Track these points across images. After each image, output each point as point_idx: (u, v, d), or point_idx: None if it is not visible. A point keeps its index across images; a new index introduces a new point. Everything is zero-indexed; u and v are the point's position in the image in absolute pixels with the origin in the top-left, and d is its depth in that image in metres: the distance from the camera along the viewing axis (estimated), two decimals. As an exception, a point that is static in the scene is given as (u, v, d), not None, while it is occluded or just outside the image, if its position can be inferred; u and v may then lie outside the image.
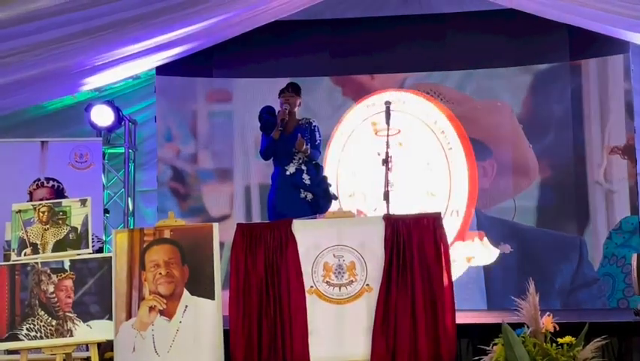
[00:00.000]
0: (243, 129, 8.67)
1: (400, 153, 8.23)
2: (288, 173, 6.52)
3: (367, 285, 5.26)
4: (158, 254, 5.26)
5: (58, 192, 7.45)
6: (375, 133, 8.51)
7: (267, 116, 6.67)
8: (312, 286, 5.29)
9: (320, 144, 6.72)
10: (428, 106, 8.61)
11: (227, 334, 5.29)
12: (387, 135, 6.14)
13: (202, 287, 5.21)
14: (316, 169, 6.64)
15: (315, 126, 6.68)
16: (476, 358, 5.32)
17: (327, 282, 5.30)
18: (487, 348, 5.09)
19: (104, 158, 8.58)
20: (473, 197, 8.42)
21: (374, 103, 8.64)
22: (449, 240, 8.09)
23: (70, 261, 5.21)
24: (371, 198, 8.36)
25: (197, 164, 8.84)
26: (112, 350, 5.33)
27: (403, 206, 8.04)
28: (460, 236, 8.35)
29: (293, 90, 6.67)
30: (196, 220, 8.27)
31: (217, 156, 8.81)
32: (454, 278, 8.06)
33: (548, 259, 8.19)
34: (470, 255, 8.29)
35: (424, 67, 8.75)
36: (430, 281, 5.23)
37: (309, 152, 6.52)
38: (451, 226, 8.21)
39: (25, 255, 5.26)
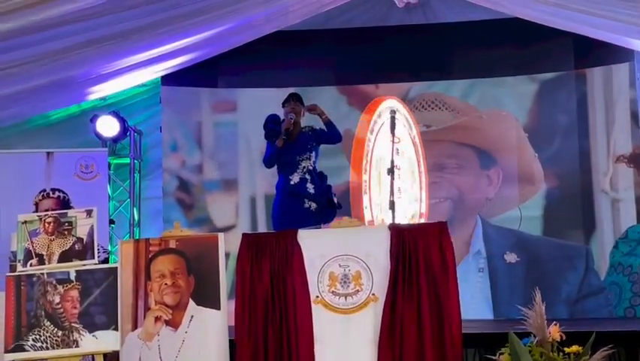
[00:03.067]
0: (247, 139, 8.68)
1: (401, 161, 8.29)
2: (292, 182, 6.52)
3: (373, 294, 5.25)
4: (164, 264, 5.25)
5: (64, 203, 7.44)
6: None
7: (271, 125, 6.68)
8: (317, 296, 5.28)
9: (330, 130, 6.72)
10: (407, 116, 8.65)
11: (232, 344, 5.28)
12: (393, 143, 6.14)
13: (208, 297, 5.20)
14: (320, 178, 6.64)
15: (318, 128, 6.69)
16: (483, 367, 5.32)
17: (332, 292, 5.28)
18: (494, 358, 5.09)
19: (109, 168, 8.58)
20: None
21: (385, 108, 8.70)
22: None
23: (76, 271, 5.20)
24: (376, 207, 8.39)
25: (203, 174, 8.85)
26: (118, 361, 5.32)
27: (411, 212, 8.13)
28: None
29: (298, 100, 6.68)
30: (201, 230, 8.28)
31: (222, 166, 8.83)
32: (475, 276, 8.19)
33: (554, 268, 8.18)
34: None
35: (428, 76, 8.77)
36: (436, 290, 5.21)
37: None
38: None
39: (30, 266, 5.25)
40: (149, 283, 5.23)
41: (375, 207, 8.50)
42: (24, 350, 5.06)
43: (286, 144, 6.50)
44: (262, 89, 8.65)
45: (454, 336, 5.15)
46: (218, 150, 8.86)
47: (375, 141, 8.65)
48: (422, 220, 8.32)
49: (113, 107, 8.78)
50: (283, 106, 6.69)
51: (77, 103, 8.72)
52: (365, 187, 8.57)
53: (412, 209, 8.39)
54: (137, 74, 8.13)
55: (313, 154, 6.57)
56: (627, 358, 5.95)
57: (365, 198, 8.55)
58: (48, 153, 7.78)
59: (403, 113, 8.60)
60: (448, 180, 8.57)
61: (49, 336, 5.08)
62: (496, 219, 8.43)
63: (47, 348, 5.07)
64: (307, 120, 6.89)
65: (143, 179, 9.10)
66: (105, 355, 5.24)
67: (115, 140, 8.70)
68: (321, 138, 6.63)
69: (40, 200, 7.39)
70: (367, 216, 8.45)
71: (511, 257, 8.30)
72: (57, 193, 7.49)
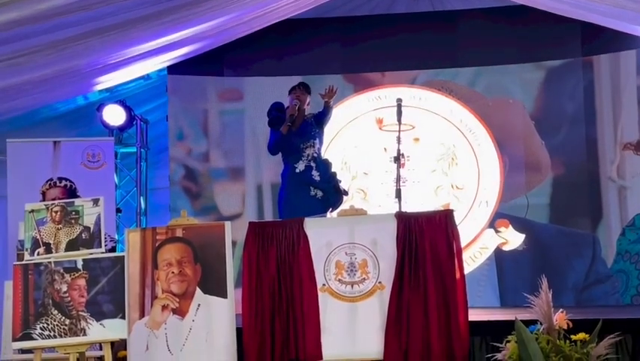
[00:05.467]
0: (254, 128, 8.67)
1: (416, 149, 8.27)
2: (297, 170, 6.53)
3: (380, 283, 5.26)
4: (171, 253, 5.27)
5: (71, 192, 7.47)
6: (380, 128, 8.51)
7: (275, 112, 6.69)
8: (324, 284, 5.29)
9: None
10: (448, 102, 8.59)
11: (240, 332, 5.30)
12: (399, 132, 6.14)
13: (214, 286, 5.21)
14: (326, 165, 6.65)
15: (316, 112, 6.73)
16: (489, 355, 5.33)
17: (339, 280, 5.29)
18: (501, 345, 5.10)
19: (116, 157, 8.59)
20: (502, 188, 8.46)
21: (379, 97, 8.65)
22: (480, 228, 8.22)
23: (83, 260, 5.22)
24: (375, 195, 8.37)
25: (209, 163, 8.86)
26: (125, 349, 5.34)
27: (422, 200, 8.12)
28: (490, 224, 8.39)
29: (304, 88, 6.69)
30: (208, 219, 8.29)
31: (229, 154, 8.82)
32: (481, 263, 8.17)
33: (561, 256, 8.17)
34: (503, 241, 8.30)
35: (435, 64, 8.75)
36: (442, 278, 5.22)
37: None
38: (482, 215, 8.38)
39: (38, 254, 5.27)
40: (156, 271, 5.25)
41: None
42: (32, 339, 5.10)
43: (290, 131, 6.50)
44: (268, 78, 8.63)
45: (461, 324, 5.16)
46: (224, 139, 8.86)
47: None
48: (485, 209, 8.39)
49: (120, 97, 8.79)
50: (290, 93, 6.69)
51: (84, 94, 8.73)
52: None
53: (444, 199, 8.40)
54: (143, 64, 8.12)
55: (317, 141, 6.59)
56: (634, 345, 5.94)
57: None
58: (55, 142, 7.79)
59: (432, 100, 8.59)
60: (454, 168, 8.60)
61: (57, 325, 5.11)
62: (503, 206, 8.42)
63: (55, 337, 5.11)
64: (314, 109, 6.89)
65: (150, 168, 9.12)
66: (112, 343, 5.27)
67: (121, 129, 8.72)
68: (317, 118, 6.65)
69: (47, 189, 7.42)
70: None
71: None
72: (64, 182, 7.52)
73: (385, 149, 8.20)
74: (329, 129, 6.97)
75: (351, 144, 8.60)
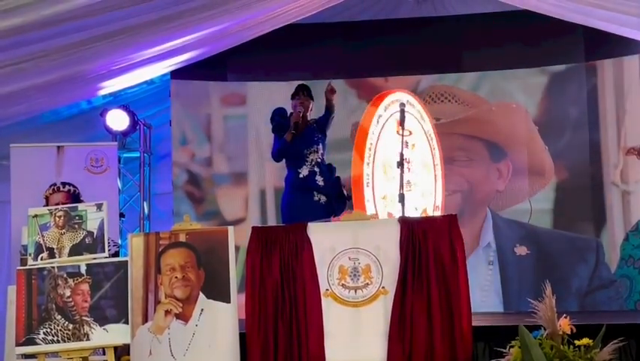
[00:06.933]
0: (257, 133, 8.68)
1: (414, 154, 8.26)
2: (301, 176, 6.53)
3: (383, 288, 5.25)
4: (174, 258, 5.27)
5: (74, 197, 7.45)
6: (397, 132, 8.50)
7: (278, 118, 6.69)
8: (327, 290, 5.29)
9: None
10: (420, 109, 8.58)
11: (243, 337, 5.30)
12: (402, 137, 6.15)
13: (218, 291, 5.22)
14: (329, 171, 6.65)
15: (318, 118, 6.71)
16: (493, 360, 5.31)
17: (342, 285, 5.29)
18: (504, 351, 5.08)
19: (119, 162, 8.60)
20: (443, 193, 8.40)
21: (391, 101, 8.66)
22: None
23: (87, 265, 5.21)
24: (394, 200, 8.35)
25: (212, 167, 8.86)
26: (128, 354, 5.34)
27: (416, 205, 8.10)
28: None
29: (307, 94, 6.68)
30: (211, 224, 8.29)
31: (232, 159, 8.83)
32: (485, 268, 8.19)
33: (565, 261, 8.16)
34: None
35: (438, 69, 8.75)
36: (445, 283, 5.21)
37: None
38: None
39: (41, 259, 5.27)
40: (159, 276, 5.25)
41: (380, 202, 8.49)
42: (35, 344, 5.08)
43: (294, 138, 6.50)
44: (271, 83, 8.65)
45: (464, 329, 5.16)
46: (227, 144, 8.87)
47: (380, 133, 8.60)
48: (437, 213, 8.31)
49: (123, 102, 8.80)
50: (292, 98, 6.69)
51: (88, 99, 8.74)
52: (367, 180, 8.55)
53: (426, 202, 8.36)
54: (147, 69, 8.14)
55: (321, 146, 6.59)
56: (638, 351, 5.93)
57: (367, 191, 8.52)
58: (58, 147, 7.78)
59: (416, 106, 8.55)
60: (457, 173, 8.54)
61: (60, 329, 5.10)
62: (506, 211, 8.42)
63: (58, 341, 5.09)
64: (317, 115, 6.89)
65: (153, 172, 9.13)
66: (116, 348, 5.26)
67: (125, 134, 8.72)
68: (320, 123, 6.65)
69: (50, 194, 7.40)
70: (370, 210, 8.43)
71: (521, 250, 8.29)
72: (67, 187, 7.50)
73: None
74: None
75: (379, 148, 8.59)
